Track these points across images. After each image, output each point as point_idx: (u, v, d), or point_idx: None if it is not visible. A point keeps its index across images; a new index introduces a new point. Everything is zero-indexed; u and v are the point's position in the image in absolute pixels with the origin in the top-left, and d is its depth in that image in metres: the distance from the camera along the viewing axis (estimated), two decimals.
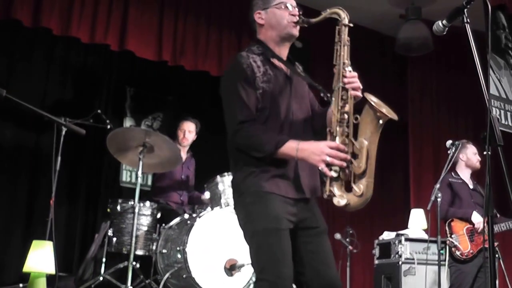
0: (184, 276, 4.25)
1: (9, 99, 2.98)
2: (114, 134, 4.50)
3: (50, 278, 3.68)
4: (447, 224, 4.76)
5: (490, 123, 2.11)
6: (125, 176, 6.11)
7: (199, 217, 4.37)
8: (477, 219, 4.67)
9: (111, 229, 4.61)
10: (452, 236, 4.69)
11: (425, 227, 5.62)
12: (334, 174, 2.13)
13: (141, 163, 4.38)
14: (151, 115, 6.43)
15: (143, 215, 4.69)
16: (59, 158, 3.85)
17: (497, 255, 4.58)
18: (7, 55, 5.45)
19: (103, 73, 6.05)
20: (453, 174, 4.92)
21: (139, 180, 4.42)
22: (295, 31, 2.41)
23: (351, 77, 2.23)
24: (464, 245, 4.65)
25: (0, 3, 4.83)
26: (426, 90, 7.17)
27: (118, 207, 4.69)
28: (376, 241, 5.52)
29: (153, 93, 6.41)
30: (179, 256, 4.30)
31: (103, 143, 4.55)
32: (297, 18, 2.39)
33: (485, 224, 2.12)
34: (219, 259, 4.29)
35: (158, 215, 4.83)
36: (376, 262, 5.45)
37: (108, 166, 5.88)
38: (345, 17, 2.30)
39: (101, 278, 4.39)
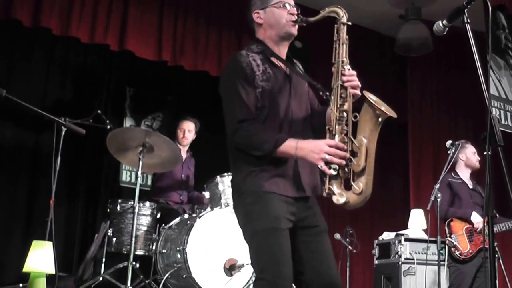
0: (184, 276, 4.25)
1: (9, 99, 2.98)
2: (114, 134, 4.50)
3: (50, 278, 3.68)
4: (446, 224, 4.76)
5: (490, 123, 2.11)
6: (124, 176, 6.11)
7: (199, 217, 4.37)
8: (476, 219, 4.68)
9: (110, 229, 4.61)
10: (452, 236, 4.69)
11: (425, 227, 5.63)
12: (333, 172, 2.13)
13: (140, 163, 4.39)
14: (151, 115, 6.43)
15: (142, 215, 4.69)
16: (59, 158, 3.85)
17: (496, 255, 4.59)
18: (7, 55, 5.44)
19: (103, 73, 6.05)
20: (452, 174, 4.93)
21: (139, 180, 4.42)
22: (294, 30, 2.42)
23: (350, 75, 2.23)
24: (463, 245, 4.66)
25: (0, 3, 4.83)
26: (426, 91, 7.17)
27: (118, 207, 4.69)
28: (376, 241, 5.52)
29: (153, 93, 6.41)
30: (179, 256, 4.30)
31: (103, 143, 4.55)
32: (296, 17, 2.40)
33: (485, 224, 2.13)
34: (219, 259, 4.29)
35: (158, 215, 4.83)
36: (376, 262, 5.45)
37: (108, 166, 5.88)
38: (343, 16, 2.31)
39: (100, 278, 4.38)
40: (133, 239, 4.26)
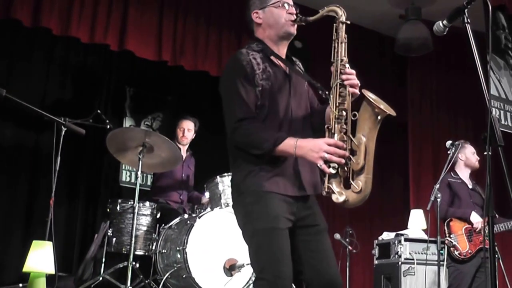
0: (183, 276, 4.25)
1: (9, 99, 2.99)
2: (114, 134, 4.50)
3: (49, 278, 3.68)
4: (445, 223, 4.77)
5: (491, 123, 2.11)
6: (124, 176, 6.11)
7: (199, 217, 4.37)
8: (475, 219, 4.68)
9: (110, 229, 4.61)
10: (451, 236, 4.69)
11: (425, 227, 5.63)
12: (332, 171, 2.13)
13: (140, 163, 4.39)
14: (150, 115, 6.43)
15: (142, 215, 4.69)
16: (59, 158, 3.85)
17: (496, 255, 4.59)
18: (7, 55, 5.44)
19: (103, 73, 6.05)
20: (452, 174, 4.93)
21: (139, 180, 4.43)
22: (293, 30, 2.43)
23: (349, 74, 2.24)
24: (462, 245, 4.66)
25: (0, 3, 4.83)
26: (426, 91, 7.17)
27: (118, 207, 4.69)
28: (376, 241, 5.53)
29: (152, 93, 6.41)
30: (178, 256, 4.30)
31: (103, 143, 4.55)
32: (295, 16, 2.40)
33: (485, 224, 2.13)
34: (219, 259, 4.29)
35: (158, 215, 4.83)
36: (376, 262, 5.45)
37: (108, 166, 5.88)
38: (342, 15, 2.32)
39: (100, 278, 4.38)
40: (133, 239, 4.26)
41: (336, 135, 2.18)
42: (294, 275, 2.18)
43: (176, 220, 4.65)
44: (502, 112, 6.16)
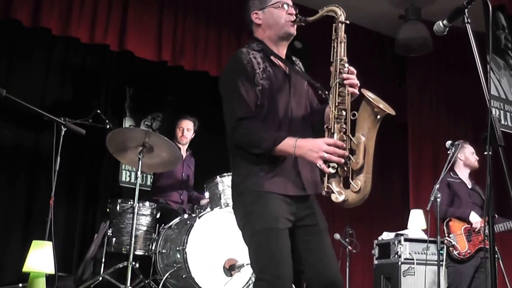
0: (183, 276, 4.25)
1: (9, 99, 2.99)
2: (114, 134, 4.50)
3: (49, 278, 3.68)
4: (445, 223, 4.77)
5: (491, 123, 2.11)
6: (124, 176, 6.11)
7: (199, 217, 4.37)
8: (474, 219, 4.68)
9: (110, 229, 4.62)
10: (450, 235, 4.70)
11: (424, 227, 5.63)
12: (332, 171, 2.13)
13: (140, 162, 4.39)
14: (150, 115, 6.43)
15: (142, 215, 4.69)
16: (58, 158, 3.85)
17: (496, 256, 4.59)
18: (6, 55, 5.45)
19: (103, 73, 6.05)
20: (451, 174, 4.93)
21: (139, 180, 4.43)
22: (293, 30, 2.43)
23: (349, 74, 2.24)
24: (461, 245, 4.66)
25: (0, 3, 4.83)
26: (426, 91, 7.18)
27: (118, 207, 4.69)
28: (376, 241, 5.52)
29: (152, 93, 6.41)
30: (178, 256, 4.29)
31: (102, 143, 4.55)
32: (294, 17, 2.41)
33: (485, 224, 2.13)
34: (219, 259, 4.29)
35: (158, 215, 4.83)
36: (376, 262, 5.45)
37: (108, 166, 5.89)
38: (341, 14, 2.32)
39: (100, 278, 4.38)
40: (133, 239, 4.26)
41: (335, 134, 2.18)
42: (294, 275, 2.18)
43: (176, 220, 4.65)
44: (502, 112, 6.16)
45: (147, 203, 4.77)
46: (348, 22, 2.32)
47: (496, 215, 4.39)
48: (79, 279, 4.53)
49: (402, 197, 7.22)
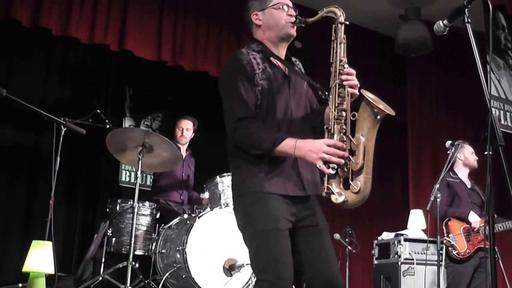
0: (183, 276, 4.25)
1: (9, 99, 2.99)
2: (114, 134, 4.50)
3: (49, 278, 3.68)
4: (444, 223, 4.77)
5: (491, 123, 2.11)
6: (124, 176, 6.11)
7: (199, 217, 4.37)
8: (474, 218, 4.69)
9: (110, 229, 4.62)
10: (449, 235, 4.70)
11: (424, 227, 5.63)
12: (331, 172, 2.13)
13: (140, 162, 4.39)
14: (150, 115, 6.43)
15: (142, 215, 4.69)
16: (58, 158, 3.85)
17: (496, 255, 4.59)
18: (6, 55, 5.45)
19: (103, 73, 6.05)
20: (451, 173, 4.94)
21: (138, 180, 4.43)
22: (293, 31, 2.43)
23: (349, 74, 2.24)
24: (460, 245, 4.67)
25: (0, 3, 4.83)
26: (425, 91, 7.18)
27: (117, 207, 4.70)
28: (375, 242, 5.53)
29: (152, 93, 6.41)
30: (178, 256, 4.30)
31: (102, 143, 4.55)
32: (294, 18, 2.41)
33: (485, 224, 2.13)
34: (219, 259, 4.28)
35: (157, 215, 4.83)
36: (375, 262, 5.45)
37: (108, 166, 5.88)
38: (341, 15, 2.32)
39: (100, 278, 4.38)
40: (133, 239, 4.26)
41: (335, 135, 2.18)
42: (294, 276, 2.18)
43: (176, 220, 4.65)
44: (501, 112, 6.17)
45: (147, 203, 4.77)
46: (347, 22, 2.32)
47: (495, 215, 4.40)
48: (79, 279, 4.53)
49: (402, 197, 7.22)
